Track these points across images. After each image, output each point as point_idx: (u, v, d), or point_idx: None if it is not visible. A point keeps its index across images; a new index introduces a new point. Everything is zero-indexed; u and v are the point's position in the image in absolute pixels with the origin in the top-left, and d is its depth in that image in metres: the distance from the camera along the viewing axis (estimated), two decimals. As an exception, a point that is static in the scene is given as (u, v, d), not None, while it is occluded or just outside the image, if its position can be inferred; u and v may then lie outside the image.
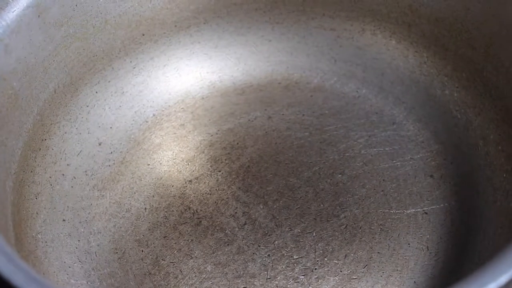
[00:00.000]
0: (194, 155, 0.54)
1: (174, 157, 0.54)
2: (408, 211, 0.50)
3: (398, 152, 0.53)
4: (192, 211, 0.51)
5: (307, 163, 0.53)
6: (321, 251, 0.48)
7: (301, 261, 0.48)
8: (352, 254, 0.48)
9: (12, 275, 0.35)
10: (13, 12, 0.46)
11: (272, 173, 0.52)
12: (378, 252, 0.48)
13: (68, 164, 0.52)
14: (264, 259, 0.48)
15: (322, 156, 0.53)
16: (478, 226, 0.48)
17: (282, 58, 0.59)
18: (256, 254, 0.48)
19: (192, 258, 0.48)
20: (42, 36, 0.49)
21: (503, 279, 0.34)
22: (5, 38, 0.46)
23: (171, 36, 0.57)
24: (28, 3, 0.47)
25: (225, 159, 0.54)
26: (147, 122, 0.56)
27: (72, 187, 0.51)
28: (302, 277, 0.47)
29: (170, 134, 0.55)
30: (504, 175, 0.48)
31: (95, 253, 0.49)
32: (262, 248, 0.48)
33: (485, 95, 0.51)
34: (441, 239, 0.48)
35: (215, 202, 0.51)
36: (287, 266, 0.47)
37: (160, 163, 0.54)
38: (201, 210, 0.51)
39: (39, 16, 0.48)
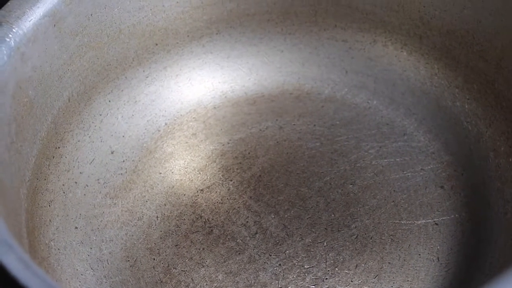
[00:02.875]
0: (206, 164, 0.54)
1: (186, 166, 0.54)
2: (419, 222, 0.50)
3: (409, 163, 0.53)
4: (204, 220, 0.51)
5: (318, 173, 0.53)
6: (332, 261, 0.48)
7: (312, 271, 0.48)
8: (363, 264, 0.48)
9: (29, 282, 0.35)
10: (29, 21, 0.47)
11: (283, 182, 0.53)
12: (389, 263, 0.48)
13: (81, 172, 0.52)
14: (275, 268, 0.48)
15: (333, 166, 0.53)
16: (488, 237, 0.48)
17: (294, 68, 0.59)
18: (267, 263, 0.48)
19: (203, 266, 0.49)
20: (57, 45, 0.49)
21: (515, 290, 0.34)
22: (21, 47, 0.46)
23: (184, 46, 0.57)
24: (45, 12, 0.48)
25: (237, 169, 0.54)
26: (159, 131, 0.56)
27: (84, 195, 0.52)
28: (313, 286, 0.47)
29: (182, 143, 0.56)
30: (515, 187, 0.49)
31: (107, 260, 0.49)
32: (273, 258, 0.49)
33: (496, 107, 0.52)
34: (452, 250, 0.48)
35: (227, 211, 0.51)
36: (298, 276, 0.48)
37: (172, 172, 0.54)
38: (212, 219, 0.51)
39: (55, 25, 0.49)
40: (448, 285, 0.47)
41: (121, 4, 0.53)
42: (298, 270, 0.48)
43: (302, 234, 0.50)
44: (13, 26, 0.46)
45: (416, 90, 0.56)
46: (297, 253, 0.49)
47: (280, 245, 0.49)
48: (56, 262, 0.47)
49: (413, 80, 0.57)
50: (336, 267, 0.48)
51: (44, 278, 0.36)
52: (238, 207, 0.51)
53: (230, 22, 0.58)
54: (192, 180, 0.53)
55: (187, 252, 0.49)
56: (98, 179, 0.53)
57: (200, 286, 0.48)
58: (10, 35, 0.46)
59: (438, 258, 0.48)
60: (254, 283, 0.47)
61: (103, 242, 0.50)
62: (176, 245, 0.50)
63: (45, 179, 0.50)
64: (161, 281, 0.48)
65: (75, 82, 0.52)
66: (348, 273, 0.48)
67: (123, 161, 0.54)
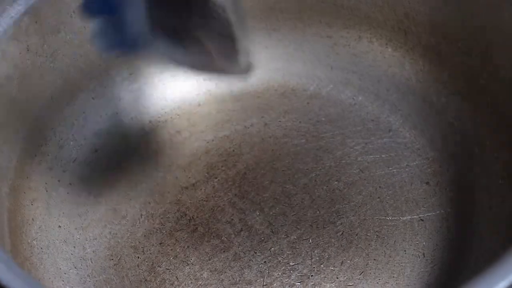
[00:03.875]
0: (190, 162, 0.54)
1: (170, 164, 0.54)
2: (404, 218, 0.50)
3: (394, 159, 0.53)
4: (188, 218, 0.51)
5: (304, 170, 0.53)
6: (317, 258, 0.48)
7: (297, 268, 0.48)
8: (349, 261, 0.48)
9: (11, 282, 0.35)
10: (10, 18, 0.46)
11: (268, 180, 0.52)
12: (374, 259, 0.48)
13: (64, 171, 0.52)
14: (260, 265, 0.48)
15: (318, 163, 0.53)
16: (474, 232, 0.48)
17: (279, 65, 0.59)
18: (252, 260, 0.48)
19: (188, 264, 0.48)
20: (39, 42, 0.49)
21: (500, 286, 0.34)
22: (1, 44, 0.46)
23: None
24: (26, 9, 0.47)
25: (222, 166, 0.53)
26: (143, 128, 0.56)
27: (68, 193, 0.51)
28: (299, 283, 0.47)
29: (166, 141, 0.55)
30: (500, 182, 0.48)
31: (91, 259, 0.49)
32: (258, 255, 0.48)
33: (482, 102, 0.51)
34: (437, 246, 0.48)
35: (211, 209, 0.51)
36: (284, 273, 0.47)
37: (156, 170, 0.54)
38: (197, 217, 0.51)
39: (36, 22, 0.48)
40: (434, 281, 0.46)
41: (103, 1, 0.52)
42: (283, 267, 0.48)
43: (287, 231, 0.49)
44: (-6, 23, 0.46)
45: (402, 86, 0.56)
46: (282, 250, 0.48)
47: (265, 242, 0.49)
48: (39, 261, 0.47)
49: (398, 76, 0.57)
50: (321, 264, 0.48)
51: (26, 278, 0.35)
52: (223, 205, 0.51)
53: (214, 18, 0.57)
54: (177, 177, 0.53)
55: (171, 250, 0.49)
56: (81, 178, 0.52)
57: (185, 284, 0.47)
58: (-10, 32, 0.46)
59: (423, 254, 0.48)
60: (239, 280, 0.47)
61: (86, 240, 0.49)
62: (161, 243, 0.49)
63: (27, 178, 0.49)
64: (146, 280, 0.47)
65: (57, 79, 0.51)
66: (334, 270, 0.47)
67: (107, 159, 0.54)
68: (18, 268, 0.36)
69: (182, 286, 0.47)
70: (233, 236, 0.49)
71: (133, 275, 0.48)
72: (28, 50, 0.48)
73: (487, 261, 0.43)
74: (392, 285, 0.46)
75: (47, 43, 0.49)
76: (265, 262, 0.48)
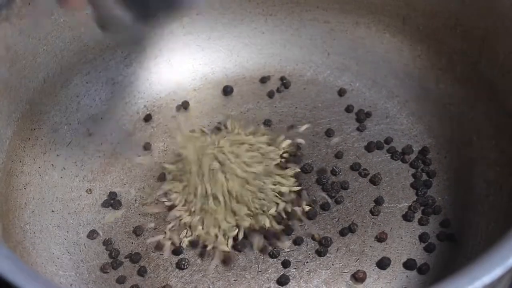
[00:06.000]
0: (186, 147, 0.53)
1: (165, 149, 0.54)
2: (401, 205, 0.49)
3: (391, 145, 0.53)
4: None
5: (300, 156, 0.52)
6: (312, 244, 0.48)
7: (292, 254, 0.47)
8: (344, 248, 0.47)
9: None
10: (2, -1, 0.46)
11: (264, 165, 0.52)
12: (370, 246, 0.47)
13: (57, 155, 0.51)
14: (255, 252, 0.47)
15: (314, 149, 0.53)
16: (471, 220, 0.47)
17: (275, 50, 0.58)
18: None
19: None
20: (31, 24, 0.48)
21: (497, 272, 0.34)
22: (-6, 25, 0.45)
23: (164, 27, 0.56)
24: (18, -10, 0.46)
25: (217, 151, 0.53)
26: (138, 113, 0.55)
27: (61, 177, 0.51)
28: (294, 270, 0.46)
29: (161, 126, 0.55)
30: (498, 169, 0.48)
31: (84, 244, 0.48)
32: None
33: (480, 89, 0.51)
34: (434, 233, 0.48)
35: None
36: (278, 259, 0.47)
37: (151, 155, 0.53)
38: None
39: (29, 4, 0.47)
40: (431, 268, 0.46)
41: (98, -17, 0.52)
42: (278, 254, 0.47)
43: (282, 217, 0.49)
44: (-15, 4, 0.45)
45: (399, 72, 0.56)
46: (277, 236, 0.48)
47: (260, 228, 0.49)
48: (32, 245, 0.46)
49: (396, 62, 0.56)
50: (317, 251, 0.47)
51: (16, 260, 0.35)
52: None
53: (210, 2, 0.56)
54: (172, 162, 0.52)
55: (166, 235, 0.49)
56: (75, 162, 0.52)
57: (179, 269, 0.47)
58: (-18, 13, 0.45)
59: (420, 241, 0.47)
60: (234, 266, 0.47)
61: (80, 225, 0.49)
62: (155, 229, 0.49)
63: (20, 162, 0.49)
64: (139, 265, 0.47)
65: (50, 62, 0.51)
66: (329, 257, 0.47)
67: (101, 143, 0.53)
68: (8, 249, 0.35)
69: (176, 272, 0.47)
70: (228, 222, 0.49)
71: (127, 260, 0.47)
72: (20, 32, 0.47)
73: (484, 248, 0.43)
74: (388, 271, 0.46)
75: (40, 25, 0.49)
76: (260, 248, 0.48)
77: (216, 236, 0.47)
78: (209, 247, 0.47)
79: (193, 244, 0.48)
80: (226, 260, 0.47)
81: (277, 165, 0.51)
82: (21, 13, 0.47)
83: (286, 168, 0.51)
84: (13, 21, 0.47)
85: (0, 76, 0.46)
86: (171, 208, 0.49)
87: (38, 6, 0.48)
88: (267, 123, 0.54)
